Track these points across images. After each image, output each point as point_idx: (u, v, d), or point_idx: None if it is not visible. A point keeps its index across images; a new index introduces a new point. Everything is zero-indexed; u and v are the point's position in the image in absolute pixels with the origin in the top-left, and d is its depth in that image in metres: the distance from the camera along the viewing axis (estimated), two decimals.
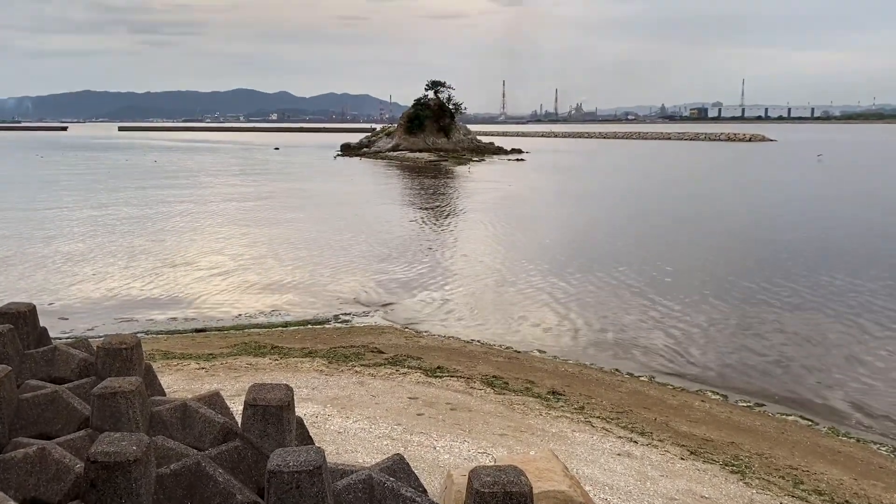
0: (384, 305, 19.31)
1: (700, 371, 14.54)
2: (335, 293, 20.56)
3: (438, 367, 12.67)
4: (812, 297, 20.16)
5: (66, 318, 17.45)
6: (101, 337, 12.92)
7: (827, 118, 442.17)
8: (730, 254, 26.67)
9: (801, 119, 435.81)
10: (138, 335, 9.14)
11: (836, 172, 66.45)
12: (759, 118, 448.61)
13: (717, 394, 13.26)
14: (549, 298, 20.08)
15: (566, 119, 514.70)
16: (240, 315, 18.15)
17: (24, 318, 5.31)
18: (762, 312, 18.62)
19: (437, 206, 41.82)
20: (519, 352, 15.31)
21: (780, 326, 17.45)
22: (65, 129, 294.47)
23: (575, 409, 10.94)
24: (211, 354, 13.09)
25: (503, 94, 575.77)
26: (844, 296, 20.22)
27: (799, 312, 18.66)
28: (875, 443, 11.28)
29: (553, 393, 11.77)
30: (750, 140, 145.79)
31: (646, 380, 13.90)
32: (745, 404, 12.82)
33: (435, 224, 34.98)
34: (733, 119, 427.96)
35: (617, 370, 14.40)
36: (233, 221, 35.04)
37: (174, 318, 17.73)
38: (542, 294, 20.56)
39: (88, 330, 16.28)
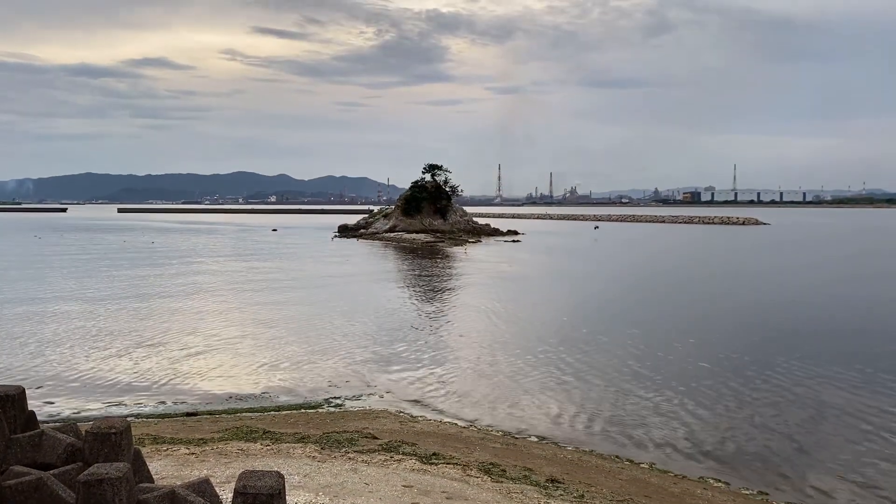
0: (378, 389, 19.06)
1: (701, 457, 14.25)
2: (328, 376, 20.32)
3: (434, 454, 12.39)
4: (813, 379, 19.95)
5: (53, 402, 17.15)
6: (89, 421, 12.66)
7: (818, 202, 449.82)
8: (727, 336, 26.54)
9: (793, 203, 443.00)
10: (128, 419, 8.97)
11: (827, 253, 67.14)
12: (751, 202, 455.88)
13: (720, 481, 12.95)
14: (545, 382, 19.86)
15: (561, 202, 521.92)
16: (231, 398, 17.87)
17: (12, 401, 5.23)
18: (763, 396, 18.39)
19: (434, 287, 41.85)
20: (516, 437, 15.02)
21: (782, 411, 17.20)
22: (64, 210, 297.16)
23: (574, 497, 10.64)
24: (202, 439, 12.80)
25: (499, 177, 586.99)
26: (846, 378, 20.03)
27: (801, 396, 18.42)
28: None
29: (552, 481, 11.47)
30: (744, 223, 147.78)
31: (646, 466, 13.60)
32: (748, 492, 12.50)
33: (431, 305, 34.92)
34: (726, 203, 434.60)
35: (617, 456, 14.10)
36: (226, 303, 34.95)
37: (163, 402, 17.44)
38: (538, 378, 20.34)
39: (76, 413, 15.98)
